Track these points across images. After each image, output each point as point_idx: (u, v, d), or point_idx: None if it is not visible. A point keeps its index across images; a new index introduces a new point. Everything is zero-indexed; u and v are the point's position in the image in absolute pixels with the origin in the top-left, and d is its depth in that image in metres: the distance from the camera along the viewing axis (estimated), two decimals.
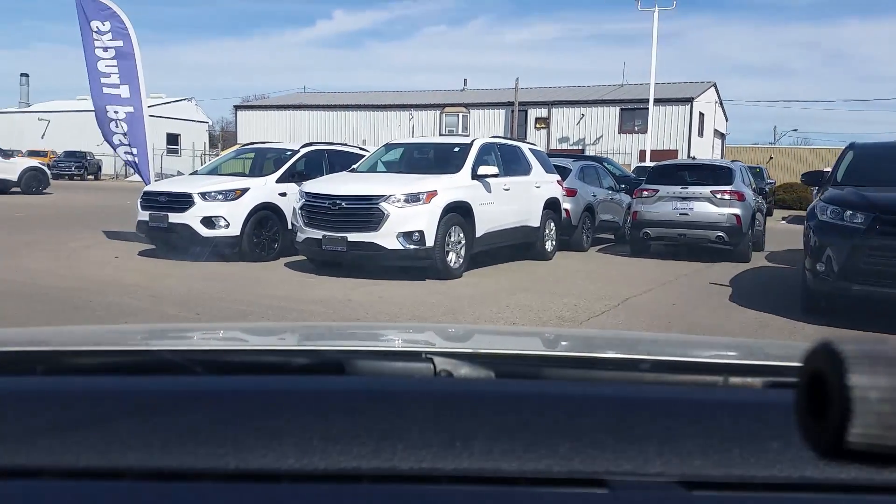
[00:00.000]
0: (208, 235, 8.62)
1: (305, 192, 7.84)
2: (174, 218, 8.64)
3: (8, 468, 0.57)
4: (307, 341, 1.22)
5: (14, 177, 19.76)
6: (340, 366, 0.88)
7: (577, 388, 0.79)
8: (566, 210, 10.00)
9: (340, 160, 10.30)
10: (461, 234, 7.66)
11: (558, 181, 9.80)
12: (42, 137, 42.34)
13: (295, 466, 0.58)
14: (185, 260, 8.51)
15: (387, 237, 7.25)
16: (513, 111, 32.54)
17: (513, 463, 0.59)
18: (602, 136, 32.59)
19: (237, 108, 42.62)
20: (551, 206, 9.48)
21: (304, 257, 8.23)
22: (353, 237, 7.31)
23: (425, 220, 7.31)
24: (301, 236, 7.79)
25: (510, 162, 8.87)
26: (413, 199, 7.35)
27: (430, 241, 7.29)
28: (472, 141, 8.53)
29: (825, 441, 0.40)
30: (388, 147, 9.45)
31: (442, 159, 8.62)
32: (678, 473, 0.59)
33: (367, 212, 7.35)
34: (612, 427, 0.63)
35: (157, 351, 0.93)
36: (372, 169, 8.78)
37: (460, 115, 34.30)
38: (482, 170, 8.02)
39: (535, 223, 9.07)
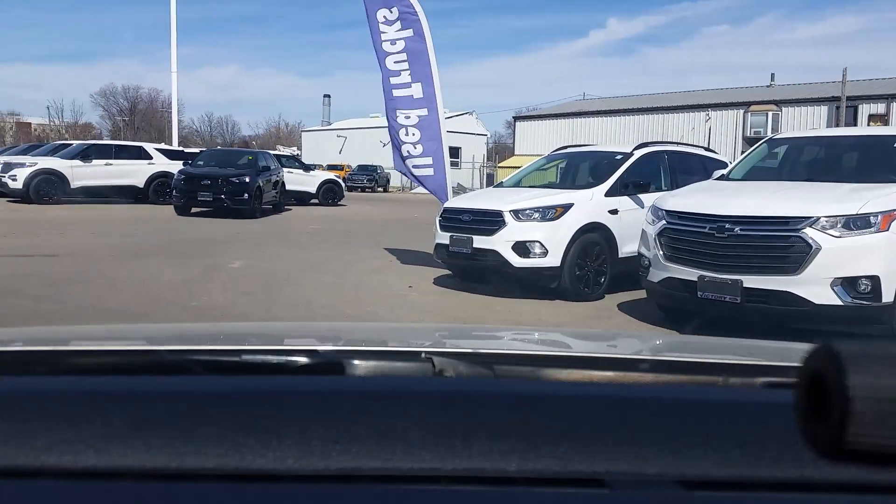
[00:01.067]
0: (521, 266, 6.60)
1: (668, 211, 5.36)
2: (480, 242, 6.76)
3: (8, 468, 0.57)
4: (307, 341, 1.24)
5: (313, 189, 20.53)
6: (340, 366, 0.87)
7: (577, 387, 0.79)
8: None
9: (684, 165, 7.71)
10: None
11: None
12: (339, 153, 45.81)
13: (295, 466, 0.58)
14: (490, 295, 6.62)
15: (812, 285, 4.51)
16: (838, 107, 27.13)
17: (512, 463, 0.59)
18: None
19: (515, 118, 42.14)
20: None
21: (649, 300, 5.80)
22: (750, 282, 4.69)
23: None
24: (656, 274, 5.36)
25: None
26: (863, 224, 4.51)
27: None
28: None
29: (825, 441, 0.41)
30: (774, 143, 6.59)
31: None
32: (678, 473, 0.59)
33: (778, 242, 4.68)
34: (612, 427, 0.63)
35: (157, 351, 0.92)
36: (759, 176, 6.02)
37: (769, 113, 29.63)
38: None
39: None
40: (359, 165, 39.69)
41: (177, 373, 0.82)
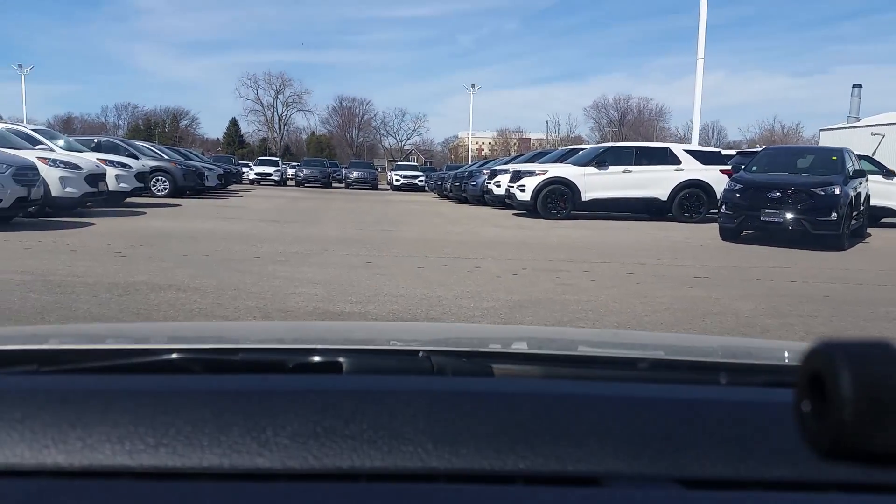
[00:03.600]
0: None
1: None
2: None
3: (8, 468, 0.57)
4: (306, 340, 1.21)
5: None
6: (338, 365, 0.86)
7: (576, 386, 0.77)
8: None
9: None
10: None
11: None
12: (873, 154, 36.19)
13: (293, 465, 0.58)
14: None
15: None
16: None
17: (511, 462, 0.59)
18: None
19: None
20: None
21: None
22: None
23: None
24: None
25: None
26: None
27: None
28: None
29: (824, 441, 0.41)
30: None
31: None
32: (677, 473, 0.59)
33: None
34: (611, 426, 0.63)
35: (156, 350, 0.92)
36: None
37: None
38: None
39: None
40: None
41: (174, 372, 0.80)
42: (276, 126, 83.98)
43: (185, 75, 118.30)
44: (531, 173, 14.79)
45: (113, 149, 16.43)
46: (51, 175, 10.78)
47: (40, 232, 9.13)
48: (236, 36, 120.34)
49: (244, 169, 36.94)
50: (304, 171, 37.43)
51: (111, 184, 12.84)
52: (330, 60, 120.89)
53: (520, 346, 1.27)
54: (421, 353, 0.90)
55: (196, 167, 19.69)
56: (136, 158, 15.88)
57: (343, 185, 38.18)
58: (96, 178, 11.89)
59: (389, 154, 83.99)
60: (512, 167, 16.61)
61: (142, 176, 14.63)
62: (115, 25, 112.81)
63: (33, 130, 13.29)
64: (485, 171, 19.62)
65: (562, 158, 16.38)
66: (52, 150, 12.43)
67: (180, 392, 0.66)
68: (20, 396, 0.64)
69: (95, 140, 17.25)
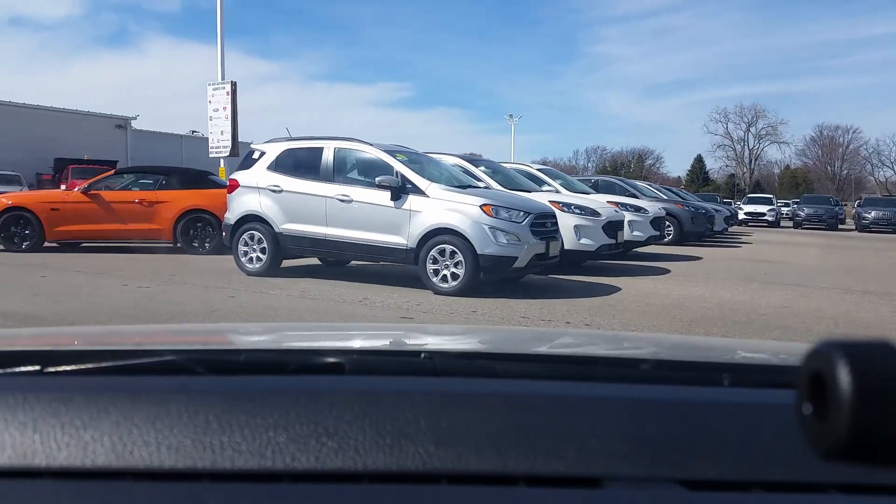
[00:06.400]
0: None
1: None
2: None
3: (8, 468, 0.57)
4: (307, 341, 1.23)
5: None
6: (340, 366, 0.85)
7: (577, 388, 0.76)
8: None
9: None
10: None
11: None
12: None
13: (294, 466, 0.58)
14: None
15: None
16: None
17: (513, 463, 0.59)
18: None
19: None
20: None
21: None
22: None
23: None
24: None
25: None
26: None
27: None
28: None
29: (825, 441, 0.41)
30: None
31: None
32: (678, 474, 0.59)
33: None
34: (612, 427, 0.63)
35: (158, 351, 0.91)
36: None
37: None
38: None
39: None
40: None
41: (179, 373, 0.78)
42: (746, 161, 77.36)
43: (649, 116, 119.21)
44: None
45: (609, 188, 14.05)
46: (564, 223, 8.39)
47: (556, 301, 6.54)
48: (699, 74, 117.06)
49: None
50: (805, 209, 31.17)
51: (625, 232, 10.07)
52: (806, 88, 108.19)
53: (521, 347, 1.25)
54: (423, 355, 0.89)
55: (705, 209, 16.24)
56: (637, 198, 13.07)
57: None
58: (614, 226, 9.17)
59: (884, 188, 69.86)
60: None
61: (657, 222, 11.60)
62: (586, 76, 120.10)
63: (537, 169, 11.44)
64: None
65: None
66: (557, 191, 10.34)
67: (183, 393, 0.66)
68: (23, 397, 0.64)
69: (593, 179, 15.10)
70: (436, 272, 6.99)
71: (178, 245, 10.74)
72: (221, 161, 16.70)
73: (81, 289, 7.08)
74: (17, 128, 27.44)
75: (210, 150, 16.78)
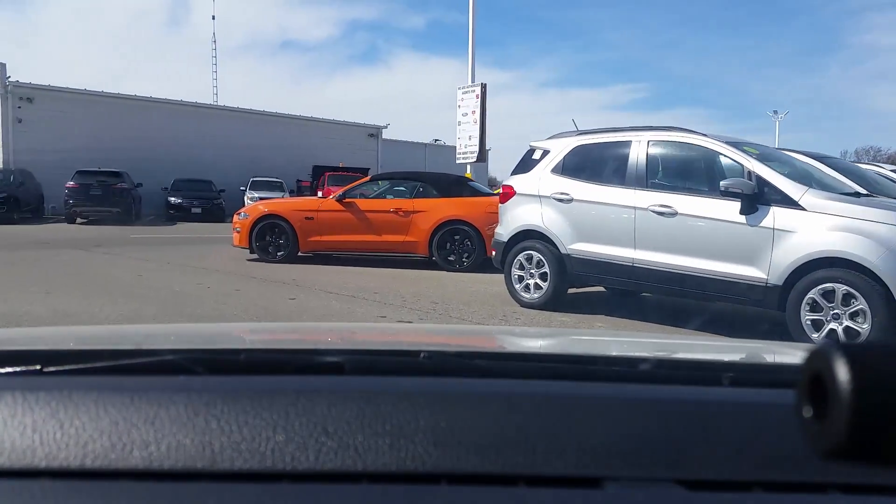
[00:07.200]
0: None
1: None
2: None
3: (8, 468, 0.57)
4: (307, 341, 1.23)
5: None
6: (339, 366, 0.84)
7: (577, 387, 0.76)
8: None
9: None
10: None
11: None
12: None
13: (293, 466, 0.58)
14: None
15: None
16: None
17: (512, 463, 0.58)
18: None
19: None
20: None
21: None
22: None
23: None
24: None
25: None
26: None
27: None
28: None
29: (825, 441, 0.41)
30: None
31: None
32: (678, 474, 0.58)
33: None
34: (612, 427, 0.63)
35: (157, 350, 0.90)
36: None
37: None
38: None
39: None
40: None
41: (178, 373, 0.77)
42: None
43: None
44: None
45: None
46: None
47: None
48: None
49: None
50: None
51: None
52: None
53: (521, 347, 1.24)
54: (422, 355, 0.88)
55: None
56: None
57: None
58: None
59: None
60: None
61: None
62: (850, 69, 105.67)
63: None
64: None
65: None
66: None
67: (182, 393, 0.66)
68: (23, 397, 0.64)
69: None
70: (815, 325, 4.63)
71: (433, 259, 9.42)
72: (468, 167, 15.62)
73: (332, 319, 5.81)
74: (282, 136, 29.18)
75: (457, 155, 15.76)
